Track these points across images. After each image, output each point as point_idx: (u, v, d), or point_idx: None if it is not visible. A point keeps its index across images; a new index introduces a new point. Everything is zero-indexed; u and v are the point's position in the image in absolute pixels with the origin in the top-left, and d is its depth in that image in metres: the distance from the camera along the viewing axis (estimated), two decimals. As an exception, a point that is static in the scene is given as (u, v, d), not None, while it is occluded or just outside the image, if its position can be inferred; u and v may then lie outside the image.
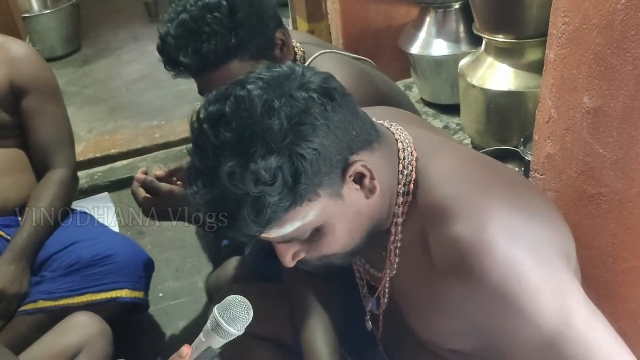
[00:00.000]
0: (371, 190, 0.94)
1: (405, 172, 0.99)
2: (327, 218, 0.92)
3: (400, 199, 1.00)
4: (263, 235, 0.90)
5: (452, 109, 2.58)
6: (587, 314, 0.89)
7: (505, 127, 2.15)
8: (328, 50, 1.61)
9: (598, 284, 1.22)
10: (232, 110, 0.86)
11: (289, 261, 0.98)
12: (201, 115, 0.89)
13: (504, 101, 2.10)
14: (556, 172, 1.26)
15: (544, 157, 1.29)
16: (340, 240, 0.96)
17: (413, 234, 1.00)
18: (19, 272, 1.68)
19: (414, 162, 1.00)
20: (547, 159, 1.28)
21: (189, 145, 0.91)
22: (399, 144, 1.01)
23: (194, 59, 1.35)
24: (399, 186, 0.99)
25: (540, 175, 1.32)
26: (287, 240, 0.94)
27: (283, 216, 0.87)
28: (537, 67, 1.98)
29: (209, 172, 0.85)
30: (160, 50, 1.41)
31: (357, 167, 0.91)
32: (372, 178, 0.94)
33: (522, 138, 1.88)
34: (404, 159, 1.00)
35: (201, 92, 1.46)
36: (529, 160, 1.55)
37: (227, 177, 0.83)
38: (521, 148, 1.84)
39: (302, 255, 0.98)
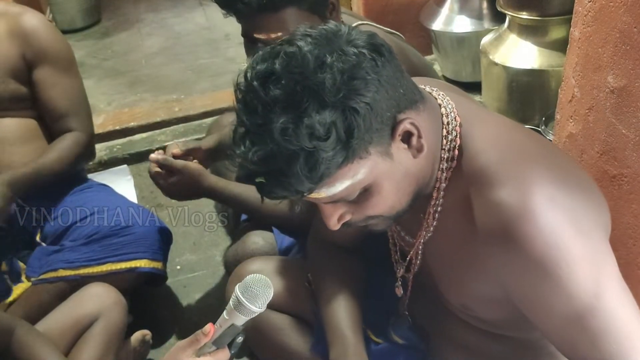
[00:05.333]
0: (418, 149, 0.94)
1: (450, 137, 0.99)
2: (376, 177, 0.91)
3: (445, 164, 1.00)
4: (313, 195, 0.90)
5: (474, 87, 2.55)
6: (619, 290, 0.91)
7: (527, 106, 2.13)
8: (364, 22, 1.62)
9: (617, 266, 1.21)
10: (282, 66, 0.85)
11: (334, 223, 0.98)
12: (249, 75, 0.88)
13: (527, 79, 2.08)
14: (578, 152, 1.24)
15: (565, 137, 1.28)
16: (387, 200, 0.96)
17: (455, 199, 1.01)
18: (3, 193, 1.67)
19: (458, 128, 0.99)
20: (569, 139, 1.26)
21: (235, 105, 0.90)
22: (442, 109, 1.00)
23: None
24: (443, 151, 0.99)
25: (562, 155, 1.31)
26: (335, 200, 0.94)
27: (335, 173, 0.87)
28: (561, 46, 1.96)
29: (259, 130, 0.84)
30: None
31: (405, 125, 0.91)
32: (419, 137, 0.93)
33: (543, 117, 1.87)
34: (448, 124, 0.99)
35: (247, 33, 1.44)
36: (551, 140, 1.53)
37: (279, 133, 0.82)
38: (542, 127, 1.82)
39: (347, 218, 0.98)
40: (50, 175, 1.79)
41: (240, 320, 0.99)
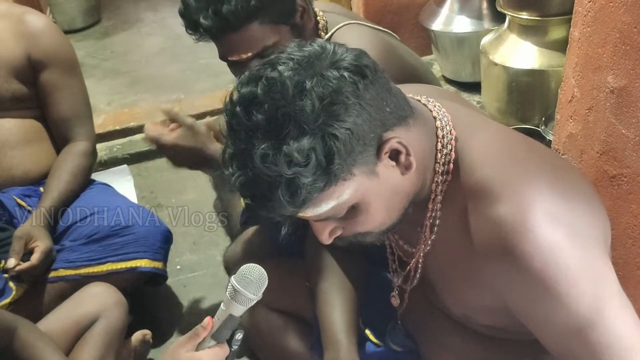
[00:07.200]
0: (407, 167, 0.93)
1: (445, 151, 0.98)
2: (362, 196, 0.91)
3: (440, 178, 0.99)
4: (299, 214, 0.91)
5: (473, 87, 2.56)
6: (619, 304, 0.91)
7: (527, 106, 2.13)
8: (353, 22, 1.58)
9: (616, 266, 1.20)
10: (263, 92, 0.85)
11: (325, 238, 0.98)
12: (234, 97, 0.89)
13: (526, 80, 2.08)
14: (577, 152, 1.24)
15: (565, 137, 1.28)
16: (377, 217, 0.96)
17: (453, 212, 1.00)
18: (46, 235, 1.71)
19: (453, 142, 0.99)
20: (569, 139, 1.27)
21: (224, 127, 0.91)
22: (437, 122, 1.00)
23: (214, 20, 1.34)
24: (438, 165, 0.99)
25: (562, 155, 1.31)
26: (324, 218, 0.94)
27: (318, 196, 0.87)
28: (560, 46, 1.96)
29: (242, 155, 0.85)
30: (182, 13, 1.41)
31: (392, 144, 0.91)
32: (407, 154, 0.93)
33: (543, 117, 1.87)
34: (443, 137, 0.99)
35: (222, 56, 1.44)
36: (550, 140, 1.54)
37: (260, 160, 0.83)
38: (542, 127, 1.82)
39: (338, 233, 0.98)
40: (71, 195, 1.83)
41: (238, 310, 1.00)
